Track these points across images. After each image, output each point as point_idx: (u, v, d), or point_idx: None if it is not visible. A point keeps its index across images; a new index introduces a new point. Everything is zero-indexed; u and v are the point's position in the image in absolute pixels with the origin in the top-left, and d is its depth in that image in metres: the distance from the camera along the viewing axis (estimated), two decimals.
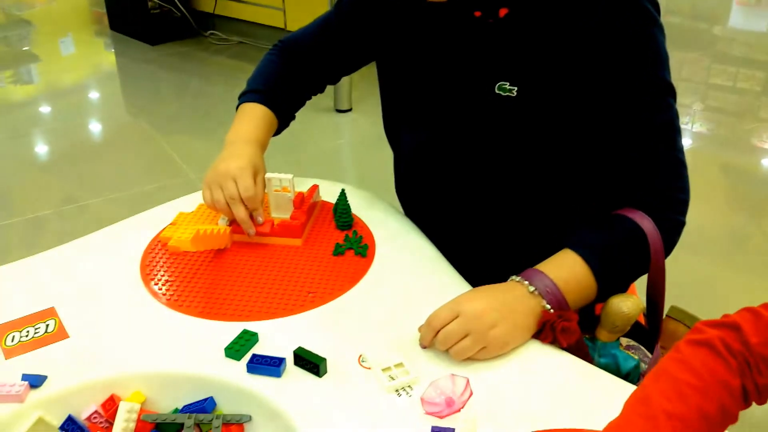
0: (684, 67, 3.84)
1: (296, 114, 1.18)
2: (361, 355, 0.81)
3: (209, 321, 0.87)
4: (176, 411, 0.80)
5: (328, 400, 0.76)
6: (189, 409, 0.79)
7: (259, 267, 0.97)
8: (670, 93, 0.89)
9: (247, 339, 0.83)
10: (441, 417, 0.72)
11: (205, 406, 0.79)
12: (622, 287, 0.90)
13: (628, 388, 0.78)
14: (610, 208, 0.91)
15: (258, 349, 0.82)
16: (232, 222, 1.02)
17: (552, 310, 0.82)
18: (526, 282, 0.83)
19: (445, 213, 1.06)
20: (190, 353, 0.82)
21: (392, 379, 0.77)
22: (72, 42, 4.58)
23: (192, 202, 1.11)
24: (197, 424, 0.78)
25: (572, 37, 0.86)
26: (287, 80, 1.14)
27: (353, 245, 1.00)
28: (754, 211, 2.57)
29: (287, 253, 1.00)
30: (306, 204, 1.04)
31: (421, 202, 1.11)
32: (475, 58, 0.92)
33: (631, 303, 0.85)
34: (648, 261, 0.87)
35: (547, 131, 0.91)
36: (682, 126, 3.17)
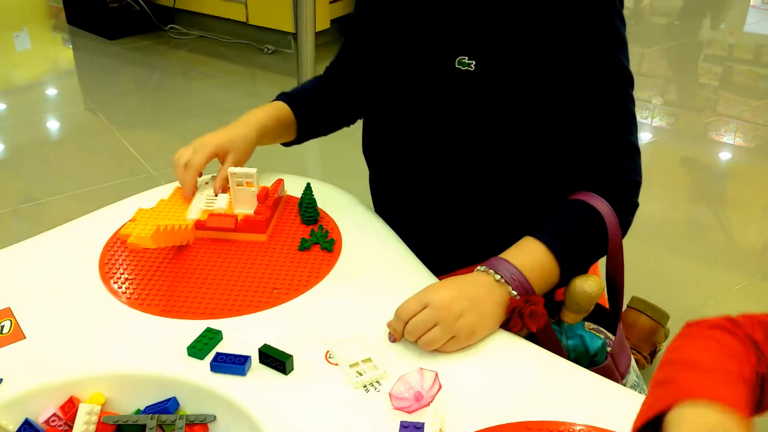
0: (643, 62, 3.89)
1: (327, 132, 1.21)
2: (328, 351, 0.80)
3: (171, 320, 0.85)
4: (138, 412, 0.78)
5: (295, 398, 0.75)
6: (151, 410, 0.77)
7: (222, 263, 0.95)
8: (628, 80, 0.91)
9: (210, 337, 0.81)
10: (410, 412, 0.72)
11: (168, 406, 0.77)
12: (583, 270, 0.91)
13: (598, 380, 0.78)
14: (567, 190, 0.93)
15: (222, 348, 0.80)
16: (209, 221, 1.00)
17: (518, 297, 0.82)
18: (492, 271, 0.83)
19: (412, 196, 1.05)
20: (151, 353, 0.80)
21: (360, 374, 0.76)
22: (27, 37, 4.46)
23: (152, 197, 1.09)
24: (160, 425, 0.76)
25: (534, 15, 0.86)
26: (317, 93, 1.16)
27: (319, 240, 0.98)
28: (712, 203, 2.62)
29: (251, 248, 0.98)
30: (270, 199, 1.03)
31: (388, 186, 1.10)
32: (438, 32, 0.93)
33: (593, 282, 0.86)
34: (606, 242, 0.89)
35: (505, 107, 0.91)
36: (642, 120, 3.24)
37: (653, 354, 1.60)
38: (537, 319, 0.81)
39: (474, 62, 0.89)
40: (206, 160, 1.04)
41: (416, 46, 0.95)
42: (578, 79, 0.88)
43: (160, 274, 0.93)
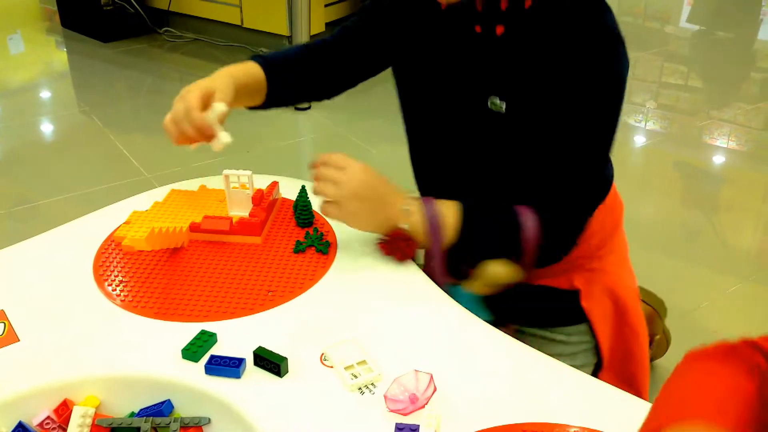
0: (637, 66, 3.91)
1: (298, 102, 1.20)
2: (323, 354, 0.80)
3: (166, 322, 0.85)
4: (132, 415, 0.78)
5: (290, 400, 0.74)
6: (145, 412, 0.77)
7: (217, 266, 0.95)
8: (606, 125, 0.94)
9: (205, 340, 0.81)
10: (405, 414, 0.72)
11: (162, 409, 0.77)
12: (478, 258, 0.98)
13: (596, 384, 0.78)
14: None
15: (217, 350, 0.80)
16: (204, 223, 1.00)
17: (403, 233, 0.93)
18: (408, 207, 0.93)
19: None
20: (146, 355, 0.80)
21: (355, 377, 0.76)
22: (21, 40, 4.45)
23: (147, 200, 1.08)
24: (154, 428, 0.76)
25: (551, 57, 0.91)
26: (295, 62, 1.13)
27: (314, 242, 0.99)
28: (706, 207, 2.63)
29: (246, 251, 0.98)
30: (265, 201, 1.03)
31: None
32: (472, 71, 0.99)
33: (506, 268, 0.95)
34: (515, 251, 0.95)
35: (529, 145, 0.97)
36: (636, 124, 3.24)
37: (650, 343, 1.59)
38: (403, 253, 0.95)
39: (505, 104, 0.96)
40: (199, 98, 0.98)
41: (454, 83, 1.01)
42: (561, 110, 0.93)
43: (155, 276, 0.93)
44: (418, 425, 0.69)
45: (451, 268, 0.96)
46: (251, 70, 1.09)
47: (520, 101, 0.95)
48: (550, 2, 0.92)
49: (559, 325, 1.11)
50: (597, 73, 0.90)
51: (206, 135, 0.96)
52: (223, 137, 0.95)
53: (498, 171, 1.02)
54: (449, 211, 0.94)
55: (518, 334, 1.10)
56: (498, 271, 0.95)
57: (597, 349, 1.11)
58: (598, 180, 1.00)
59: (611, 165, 1.13)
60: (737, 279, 2.08)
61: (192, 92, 0.98)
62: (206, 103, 0.99)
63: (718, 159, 3.03)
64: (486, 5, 0.93)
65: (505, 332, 0.84)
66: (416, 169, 1.17)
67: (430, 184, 1.15)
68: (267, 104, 1.12)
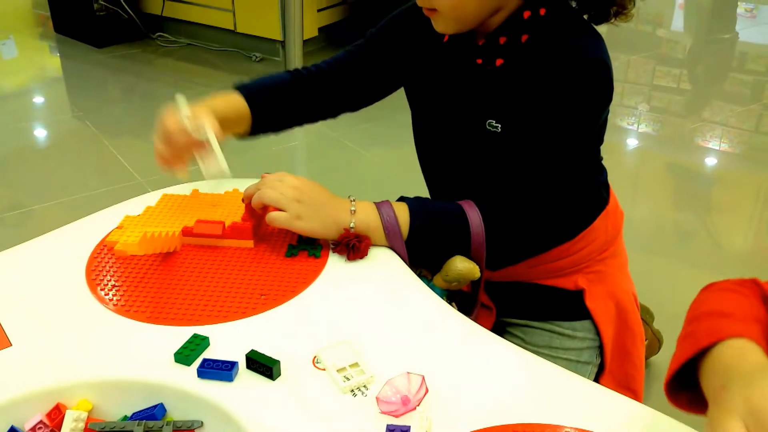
0: (629, 70, 3.92)
1: (283, 130, 1.21)
2: (315, 357, 0.80)
3: (158, 326, 0.85)
4: (125, 418, 0.78)
5: (283, 403, 0.75)
6: (138, 416, 0.77)
7: (209, 270, 0.95)
8: (566, 138, 1.00)
9: (197, 343, 0.81)
10: (397, 416, 0.72)
11: (155, 412, 0.77)
12: (436, 255, 1.01)
13: (590, 385, 0.79)
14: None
15: (209, 354, 0.80)
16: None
17: (353, 229, 0.96)
18: (354, 208, 0.97)
19: None
20: (138, 359, 0.80)
21: (347, 379, 0.77)
22: (14, 45, 4.44)
23: (139, 205, 1.09)
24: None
25: (539, 84, 0.98)
26: (285, 89, 1.16)
27: (306, 246, 0.99)
28: (699, 208, 2.64)
29: (239, 255, 0.98)
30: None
31: None
32: (472, 98, 1.06)
33: (467, 264, 0.97)
34: (463, 243, 0.99)
35: (527, 162, 1.03)
36: (628, 126, 3.26)
37: None
38: (358, 253, 0.96)
39: (500, 126, 1.03)
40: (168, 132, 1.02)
41: (457, 108, 1.09)
42: (533, 131, 1.00)
43: (147, 280, 0.93)
44: (409, 426, 0.70)
45: (414, 265, 0.99)
46: (232, 101, 1.11)
47: (513, 123, 1.02)
48: (542, 37, 0.98)
49: (565, 319, 1.14)
50: (563, 99, 0.97)
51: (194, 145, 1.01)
52: (221, 162, 0.99)
53: (495, 182, 1.08)
54: (400, 210, 0.98)
55: (527, 329, 1.13)
56: (459, 268, 0.97)
57: (600, 350, 1.13)
58: (552, 191, 1.04)
59: (605, 172, 1.16)
60: None
61: (165, 114, 1.03)
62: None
63: (711, 161, 3.05)
64: (487, 40, 1.02)
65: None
66: (426, 175, 1.24)
67: (439, 189, 1.22)
68: (253, 133, 1.15)
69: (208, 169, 1.02)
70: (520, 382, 0.78)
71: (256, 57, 3.79)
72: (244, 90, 1.13)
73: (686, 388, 0.68)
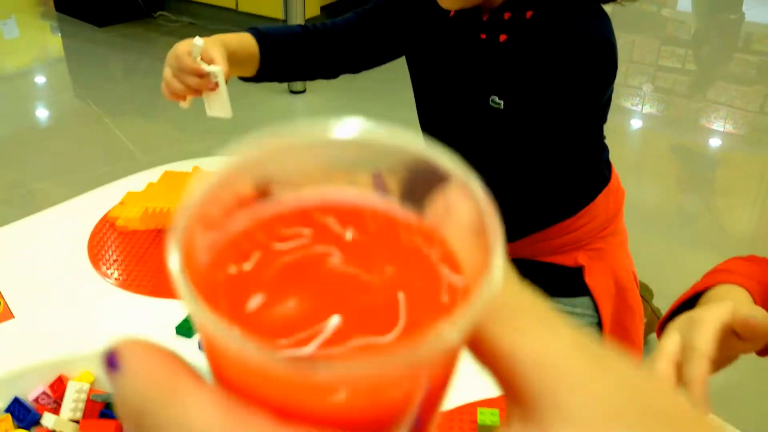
0: (634, 50, 3.90)
1: (289, 80, 1.21)
2: None
3: (160, 299, 0.86)
4: None
5: None
6: None
7: None
8: (566, 116, 1.00)
9: None
10: None
11: None
12: None
13: None
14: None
15: None
16: None
17: None
18: None
19: None
20: (140, 332, 0.81)
21: None
22: (15, 24, 4.43)
23: (141, 181, 1.09)
24: None
25: (542, 61, 0.98)
26: (293, 41, 1.14)
27: None
28: (702, 190, 2.64)
29: None
30: None
31: None
32: (476, 73, 1.05)
33: None
34: None
35: (528, 139, 1.03)
36: (632, 107, 3.25)
37: None
38: None
39: (503, 102, 1.03)
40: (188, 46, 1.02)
41: (461, 83, 1.08)
42: (535, 107, 1.01)
43: (149, 255, 0.93)
44: None
45: None
46: (244, 41, 1.10)
47: (516, 100, 1.02)
48: (547, 14, 0.98)
49: (564, 296, 1.14)
50: (566, 76, 0.97)
51: (200, 78, 0.99)
52: (213, 68, 0.95)
53: (497, 158, 1.08)
54: None
55: None
56: None
57: (599, 327, 1.13)
58: (553, 168, 1.05)
59: (607, 150, 1.16)
60: None
61: (175, 49, 1.02)
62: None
63: (715, 142, 3.04)
64: (491, 16, 1.01)
65: None
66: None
67: None
68: (259, 77, 1.13)
69: (212, 107, 1.01)
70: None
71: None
72: (257, 34, 1.12)
73: None
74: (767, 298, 0.71)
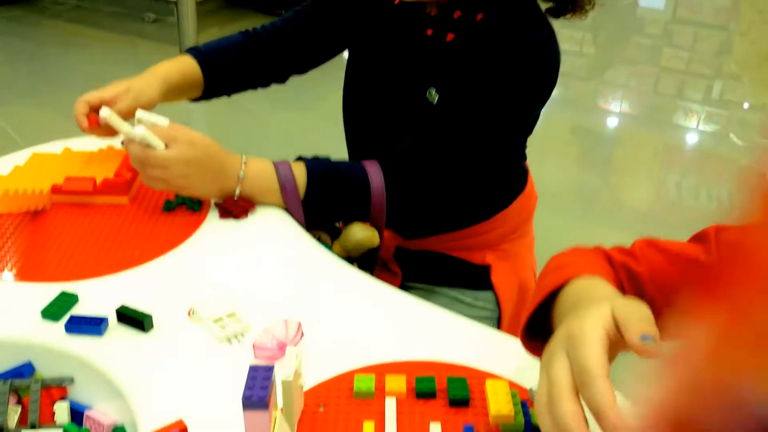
0: None
1: (237, 91, 1.19)
2: (190, 309, 0.78)
3: (25, 283, 0.81)
4: None
5: (155, 356, 0.73)
6: (5, 375, 0.74)
7: (80, 227, 0.91)
8: (502, 130, 1.00)
9: (65, 300, 0.78)
10: (272, 361, 0.71)
11: (23, 371, 0.74)
12: (329, 217, 1.02)
13: (468, 325, 0.80)
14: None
15: (79, 310, 0.77)
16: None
17: (238, 197, 0.94)
18: (243, 169, 0.93)
19: None
20: (3, 318, 0.77)
21: (223, 328, 0.75)
22: None
23: (6, 164, 1.03)
24: (15, 390, 0.73)
25: (485, 62, 0.96)
26: (236, 52, 1.14)
27: (186, 200, 0.96)
28: (601, 169, 2.73)
29: (112, 212, 0.94)
30: None
31: None
32: (416, 66, 1.03)
33: (366, 233, 0.97)
34: (362, 203, 0.98)
35: (457, 137, 1.00)
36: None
37: None
38: (237, 214, 0.94)
39: (438, 96, 1.01)
40: (97, 97, 1.00)
41: (399, 75, 1.05)
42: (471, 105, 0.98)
43: (15, 239, 0.88)
44: (273, 366, 0.68)
45: (312, 227, 0.97)
46: (185, 67, 1.10)
47: (453, 95, 1.00)
48: (497, 17, 0.97)
49: (469, 288, 1.15)
50: (508, 81, 0.96)
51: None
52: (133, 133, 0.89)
53: (421, 155, 1.05)
54: (298, 169, 0.96)
55: (428, 293, 1.14)
56: (357, 237, 0.97)
57: (497, 323, 1.15)
58: (472, 169, 1.04)
59: (525, 157, 1.18)
60: (631, 235, 2.15)
61: (96, 92, 1.00)
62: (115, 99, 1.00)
63: (612, 121, 3.15)
64: (440, 12, 0.99)
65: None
66: (349, 140, 1.20)
67: (360, 155, 1.16)
68: (206, 96, 1.15)
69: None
70: (402, 326, 0.79)
71: (149, 18, 3.65)
72: (198, 55, 1.12)
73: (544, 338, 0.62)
74: (632, 282, 0.70)
